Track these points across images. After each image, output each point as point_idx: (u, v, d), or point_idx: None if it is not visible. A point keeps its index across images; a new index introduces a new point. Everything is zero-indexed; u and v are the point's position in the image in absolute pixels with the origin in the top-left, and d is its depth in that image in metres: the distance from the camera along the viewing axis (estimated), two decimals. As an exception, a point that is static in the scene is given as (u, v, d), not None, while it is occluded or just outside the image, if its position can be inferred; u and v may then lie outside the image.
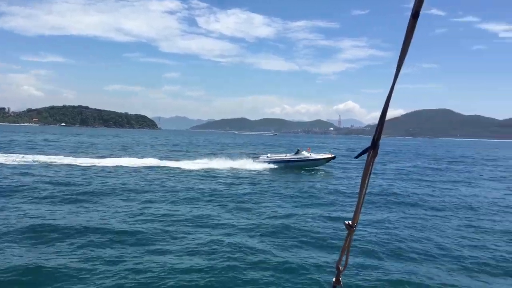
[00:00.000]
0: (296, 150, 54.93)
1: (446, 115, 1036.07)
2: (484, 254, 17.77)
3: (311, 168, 52.73)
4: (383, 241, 18.96)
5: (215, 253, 16.38)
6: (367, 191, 1.66)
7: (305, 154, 53.74)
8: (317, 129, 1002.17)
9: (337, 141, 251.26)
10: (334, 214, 24.94)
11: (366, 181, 1.64)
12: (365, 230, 20.61)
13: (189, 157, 62.75)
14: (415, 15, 1.38)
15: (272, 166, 52.12)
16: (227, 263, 15.35)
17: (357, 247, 17.36)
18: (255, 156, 56.99)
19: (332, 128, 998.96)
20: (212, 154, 66.60)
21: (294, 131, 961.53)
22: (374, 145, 1.61)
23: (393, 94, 1.51)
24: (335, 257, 11.50)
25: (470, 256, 17.47)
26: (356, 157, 1.81)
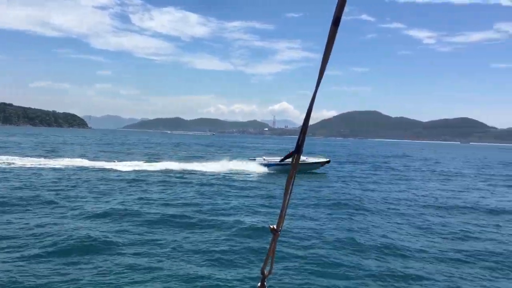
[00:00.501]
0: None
1: (375, 117, 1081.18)
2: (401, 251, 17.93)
3: (307, 171, 51.78)
4: (307, 245, 18.53)
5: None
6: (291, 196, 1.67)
7: (302, 158, 51.04)
8: (252, 129, 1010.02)
9: (271, 141, 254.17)
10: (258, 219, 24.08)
11: (291, 186, 1.66)
12: (291, 234, 20.09)
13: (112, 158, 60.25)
14: (335, 22, 1.40)
15: (269, 169, 50.88)
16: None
17: (282, 251, 16.84)
18: (250, 159, 56.10)
19: (267, 129, 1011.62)
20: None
21: (229, 131, 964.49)
22: (298, 149, 1.62)
23: (315, 100, 1.54)
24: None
25: (393, 253, 17.65)
26: (281, 161, 1.82)
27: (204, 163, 54.14)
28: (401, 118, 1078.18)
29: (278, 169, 50.57)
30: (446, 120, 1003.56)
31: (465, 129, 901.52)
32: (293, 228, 21.24)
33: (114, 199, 27.57)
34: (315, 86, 1.53)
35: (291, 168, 1.67)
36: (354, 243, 18.91)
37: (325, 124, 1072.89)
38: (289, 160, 1.68)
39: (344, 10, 1.40)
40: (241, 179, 43.24)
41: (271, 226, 1.80)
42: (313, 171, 52.67)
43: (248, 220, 22.98)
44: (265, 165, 51.64)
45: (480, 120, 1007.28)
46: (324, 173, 52.49)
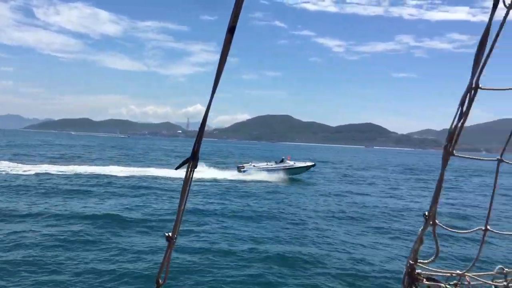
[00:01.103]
0: (281, 159, 57.36)
1: (287, 120, 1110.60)
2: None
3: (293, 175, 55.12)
4: (206, 252, 18.65)
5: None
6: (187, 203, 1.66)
7: (289, 162, 56.80)
8: (165, 131, 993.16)
9: (186, 143, 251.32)
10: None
11: (186, 193, 1.62)
12: (186, 241, 20.12)
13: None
14: (231, 30, 1.46)
15: (264, 174, 53.14)
16: None
17: (178, 258, 16.81)
18: (239, 166, 57.28)
19: (180, 131, 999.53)
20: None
21: (141, 133, 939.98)
22: (194, 156, 1.59)
23: (211, 106, 1.57)
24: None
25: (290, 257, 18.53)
26: (176, 169, 1.77)
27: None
28: (312, 122, 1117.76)
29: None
30: (352, 125, 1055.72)
31: (369, 134, 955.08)
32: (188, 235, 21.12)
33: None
34: (211, 93, 1.53)
35: (185, 176, 1.59)
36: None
37: (238, 127, 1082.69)
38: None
39: (238, 19, 1.43)
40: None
41: (167, 234, 1.68)
42: (295, 175, 55.61)
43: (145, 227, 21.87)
44: (260, 170, 54.19)
45: (383, 126, 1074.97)
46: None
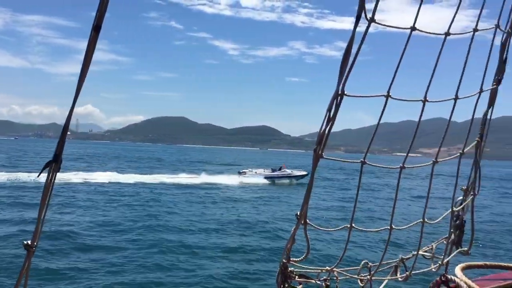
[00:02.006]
0: (279, 167, 63.99)
1: (183, 122, 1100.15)
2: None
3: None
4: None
5: None
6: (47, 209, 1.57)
7: (287, 170, 63.70)
8: (51, 133, 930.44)
9: (73, 145, 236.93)
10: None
11: (47, 198, 1.53)
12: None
13: None
14: (96, 28, 1.40)
15: (265, 181, 60.58)
16: None
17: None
18: (241, 172, 63.09)
19: (69, 133, 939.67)
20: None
21: (23, 134, 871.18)
22: (56, 159, 1.50)
23: (75, 106, 1.47)
24: None
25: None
26: (38, 175, 1.64)
27: None
28: (208, 124, 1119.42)
29: (271, 181, 60.76)
30: (248, 127, 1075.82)
31: (264, 136, 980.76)
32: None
33: None
34: (75, 93, 1.45)
35: (46, 181, 1.52)
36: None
37: (132, 129, 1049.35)
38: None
39: (104, 18, 1.40)
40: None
41: (25, 242, 1.56)
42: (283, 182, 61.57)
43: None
44: (265, 177, 61.49)
45: (278, 129, 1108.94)
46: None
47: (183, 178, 57.65)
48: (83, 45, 1.46)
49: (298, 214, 2.10)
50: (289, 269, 2.28)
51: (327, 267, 2.44)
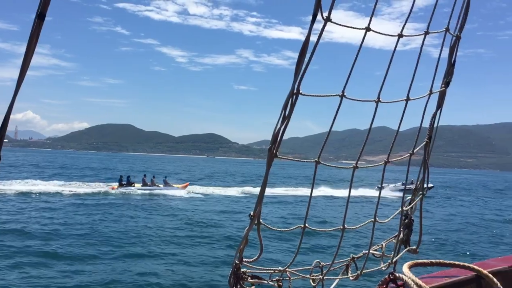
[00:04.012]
0: (411, 181, 66.65)
1: (129, 130, 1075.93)
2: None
3: None
4: None
5: None
6: None
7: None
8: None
9: (11, 154, 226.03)
10: None
11: None
12: None
13: None
14: (40, 16, 1.35)
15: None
16: None
17: None
18: (379, 186, 63.39)
19: (7, 140, 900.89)
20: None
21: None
22: None
23: (13, 113, 1.40)
24: None
25: None
26: None
27: None
28: (155, 132, 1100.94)
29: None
30: (195, 135, 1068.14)
31: (212, 144, 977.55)
32: None
33: None
34: (14, 91, 1.37)
35: None
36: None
37: (76, 136, 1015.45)
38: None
39: (49, 6, 1.34)
40: None
41: None
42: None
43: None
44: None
45: (225, 136, 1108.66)
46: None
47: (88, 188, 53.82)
48: (23, 49, 1.34)
49: (252, 214, 2.08)
50: (242, 270, 2.25)
51: (279, 268, 2.44)
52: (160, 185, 56.62)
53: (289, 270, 2.44)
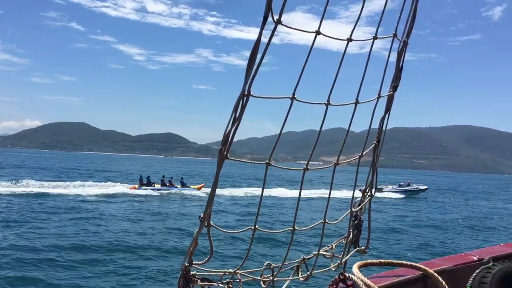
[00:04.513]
0: (407, 183, 77.82)
1: (84, 128, 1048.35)
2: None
3: None
4: None
5: None
6: None
7: (415, 185, 77.93)
8: None
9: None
10: None
11: None
12: None
13: None
14: None
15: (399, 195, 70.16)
16: None
17: None
18: (379, 188, 68.73)
19: None
20: None
21: None
22: None
23: None
24: None
25: None
26: None
27: None
28: (111, 131, 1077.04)
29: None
30: (153, 134, 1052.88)
31: (170, 144, 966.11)
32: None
33: None
34: None
35: None
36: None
37: (28, 134, 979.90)
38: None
39: None
40: None
41: None
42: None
43: None
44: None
45: (184, 136, 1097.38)
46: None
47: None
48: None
49: (202, 216, 2.06)
50: (192, 272, 2.22)
51: (230, 270, 2.43)
52: (177, 186, 59.88)
53: (239, 272, 2.43)
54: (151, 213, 36.16)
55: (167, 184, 59.21)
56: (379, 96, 2.43)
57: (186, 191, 57.33)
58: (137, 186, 56.96)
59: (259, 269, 2.60)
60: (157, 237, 25.56)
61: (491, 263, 3.20)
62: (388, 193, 70.90)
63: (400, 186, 75.97)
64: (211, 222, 2.09)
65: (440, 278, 2.83)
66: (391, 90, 2.60)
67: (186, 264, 2.19)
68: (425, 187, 78.18)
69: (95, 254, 20.99)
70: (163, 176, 61.74)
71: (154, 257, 20.81)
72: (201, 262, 2.24)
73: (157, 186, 57.86)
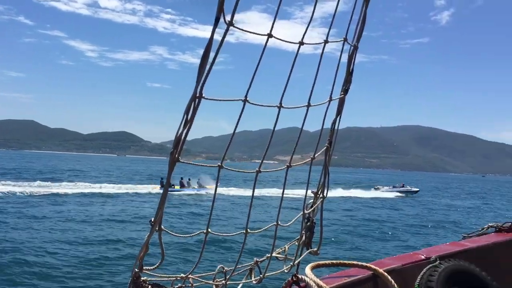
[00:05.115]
0: (402, 184, 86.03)
1: (32, 126, 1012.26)
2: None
3: None
4: None
5: None
6: None
7: (408, 187, 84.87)
8: None
9: None
10: None
11: None
12: None
13: None
14: None
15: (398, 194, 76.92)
16: None
17: None
18: (376, 187, 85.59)
19: None
20: None
21: None
22: None
23: None
24: None
25: None
26: None
27: None
28: (61, 129, 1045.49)
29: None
30: (106, 133, 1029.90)
31: (123, 142, 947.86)
32: None
33: None
34: None
35: None
36: None
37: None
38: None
39: None
40: None
41: None
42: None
43: None
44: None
45: (137, 135, 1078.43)
46: None
47: None
48: None
49: (152, 220, 2.01)
50: (142, 278, 2.17)
51: (182, 275, 2.38)
52: (195, 186, 61.00)
53: (191, 276, 2.39)
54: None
55: (186, 185, 59.88)
56: (330, 99, 2.46)
57: (211, 191, 56.33)
58: (158, 187, 57.33)
59: (212, 273, 2.57)
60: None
61: (437, 262, 3.31)
62: (386, 193, 76.00)
63: (394, 187, 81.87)
64: (162, 226, 2.04)
65: (389, 277, 2.90)
66: (342, 93, 2.63)
67: (136, 269, 2.13)
68: (416, 189, 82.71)
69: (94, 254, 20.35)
70: (182, 178, 61.80)
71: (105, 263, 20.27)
72: (152, 268, 2.18)
73: (176, 187, 57.63)
